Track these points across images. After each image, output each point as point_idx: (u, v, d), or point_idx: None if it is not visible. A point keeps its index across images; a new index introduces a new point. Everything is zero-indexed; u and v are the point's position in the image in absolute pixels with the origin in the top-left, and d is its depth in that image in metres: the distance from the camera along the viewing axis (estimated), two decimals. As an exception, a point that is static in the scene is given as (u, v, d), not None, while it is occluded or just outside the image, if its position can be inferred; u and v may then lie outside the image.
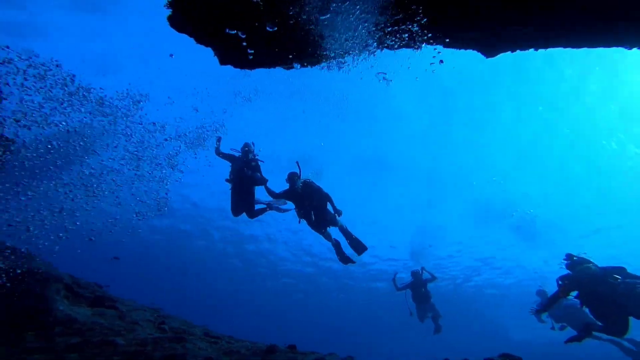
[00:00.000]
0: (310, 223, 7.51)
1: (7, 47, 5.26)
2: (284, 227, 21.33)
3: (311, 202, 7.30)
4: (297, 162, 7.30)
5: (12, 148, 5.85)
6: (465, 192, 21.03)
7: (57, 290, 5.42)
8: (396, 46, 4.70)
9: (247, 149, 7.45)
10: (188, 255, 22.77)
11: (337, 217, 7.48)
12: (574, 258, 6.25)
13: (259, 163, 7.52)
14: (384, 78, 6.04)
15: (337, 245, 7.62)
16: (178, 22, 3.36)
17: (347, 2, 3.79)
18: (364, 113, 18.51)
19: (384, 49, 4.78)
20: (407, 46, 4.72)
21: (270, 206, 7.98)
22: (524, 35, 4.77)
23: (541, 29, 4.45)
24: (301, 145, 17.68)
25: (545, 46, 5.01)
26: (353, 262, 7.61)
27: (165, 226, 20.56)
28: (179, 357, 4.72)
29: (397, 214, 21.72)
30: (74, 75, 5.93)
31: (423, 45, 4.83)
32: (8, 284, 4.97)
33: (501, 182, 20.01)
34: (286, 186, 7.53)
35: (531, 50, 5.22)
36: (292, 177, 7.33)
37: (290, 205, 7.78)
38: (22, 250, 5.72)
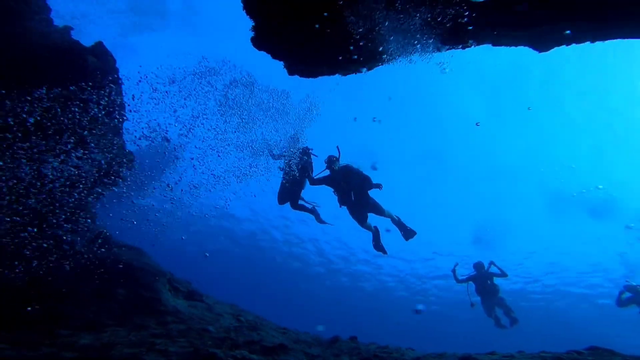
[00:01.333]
0: (351, 210, 7.22)
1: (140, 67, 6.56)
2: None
3: (349, 186, 6.99)
4: (338, 147, 7.06)
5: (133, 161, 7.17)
6: (534, 184, 19.29)
7: (164, 283, 6.76)
8: (449, 46, 4.89)
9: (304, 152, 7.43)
10: (262, 258, 24.33)
11: (382, 208, 7.19)
12: None
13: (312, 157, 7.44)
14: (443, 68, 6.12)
15: (376, 232, 7.35)
16: (258, 42, 4.17)
17: (409, 11, 4.11)
18: (424, 109, 18.31)
19: (441, 49, 4.97)
20: (461, 45, 4.87)
21: (313, 211, 8.05)
22: (575, 30, 4.56)
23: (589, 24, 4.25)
24: (360, 142, 18.01)
25: (603, 38, 4.70)
26: (385, 252, 7.31)
27: (240, 229, 22.43)
28: (256, 342, 5.60)
29: (458, 211, 20.84)
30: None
31: (472, 43, 4.92)
32: (123, 276, 6.29)
33: (574, 168, 17.96)
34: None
35: (587, 42, 4.92)
36: (331, 160, 7.04)
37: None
38: (134, 246, 7.17)
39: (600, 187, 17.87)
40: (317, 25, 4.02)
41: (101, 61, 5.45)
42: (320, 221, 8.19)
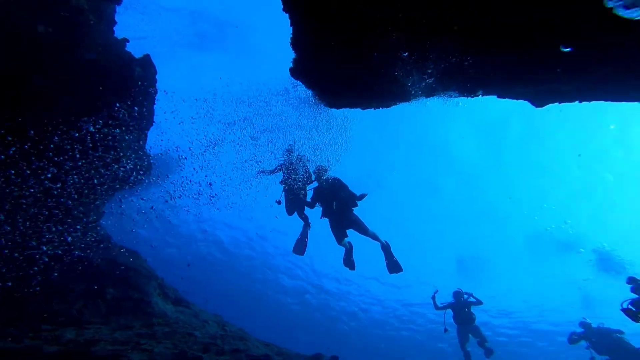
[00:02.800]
0: (332, 223, 6.89)
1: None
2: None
3: (334, 198, 6.70)
4: (328, 159, 6.82)
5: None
6: (516, 223, 19.72)
7: (155, 287, 6.57)
8: (456, 95, 5.22)
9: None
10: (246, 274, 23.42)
11: (367, 228, 6.88)
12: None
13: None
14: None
15: (349, 249, 7.06)
16: (296, 73, 4.62)
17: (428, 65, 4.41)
18: (422, 143, 18.86)
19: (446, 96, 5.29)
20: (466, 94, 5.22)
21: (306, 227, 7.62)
22: (569, 90, 4.99)
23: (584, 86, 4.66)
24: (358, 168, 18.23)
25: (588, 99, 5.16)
26: (353, 268, 7.04)
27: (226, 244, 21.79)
28: (242, 351, 5.41)
29: (444, 242, 20.96)
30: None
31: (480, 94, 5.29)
32: (114, 276, 6.13)
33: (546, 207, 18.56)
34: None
35: (576, 102, 5.37)
36: (319, 170, 6.75)
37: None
38: (130, 248, 7.01)
39: (568, 222, 18.40)
40: (351, 70, 4.41)
41: (145, 72, 5.70)
42: (302, 240, 7.61)
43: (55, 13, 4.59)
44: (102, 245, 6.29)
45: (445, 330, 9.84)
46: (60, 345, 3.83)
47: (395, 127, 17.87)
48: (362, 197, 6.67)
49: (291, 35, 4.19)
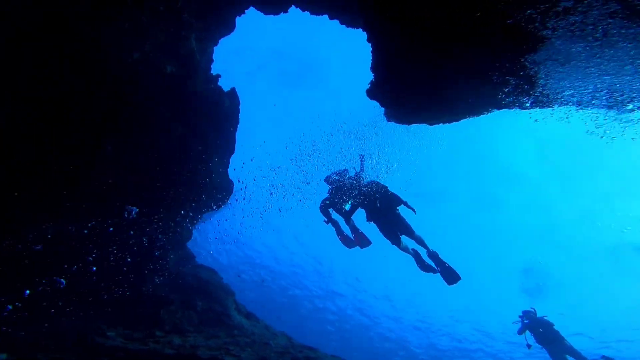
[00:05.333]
0: (381, 228, 6.44)
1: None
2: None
3: (376, 203, 6.27)
4: (361, 156, 6.48)
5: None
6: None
7: (232, 302, 7.26)
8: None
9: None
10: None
11: (414, 231, 6.40)
12: None
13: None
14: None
15: (416, 255, 6.56)
16: (371, 93, 5.15)
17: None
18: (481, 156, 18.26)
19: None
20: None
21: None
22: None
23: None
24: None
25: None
26: (435, 271, 6.43)
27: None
28: (313, 359, 5.72)
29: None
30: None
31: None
32: (201, 291, 6.93)
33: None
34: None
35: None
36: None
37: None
38: (209, 266, 7.88)
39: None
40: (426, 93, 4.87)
41: (232, 103, 6.68)
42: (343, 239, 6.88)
43: (177, 54, 5.69)
44: (191, 263, 7.20)
45: (528, 346, 9.11)
46: (174, 349, 4.53)
47: (459, 141, 17.33)
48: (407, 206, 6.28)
49: (371, 61, 4.73)
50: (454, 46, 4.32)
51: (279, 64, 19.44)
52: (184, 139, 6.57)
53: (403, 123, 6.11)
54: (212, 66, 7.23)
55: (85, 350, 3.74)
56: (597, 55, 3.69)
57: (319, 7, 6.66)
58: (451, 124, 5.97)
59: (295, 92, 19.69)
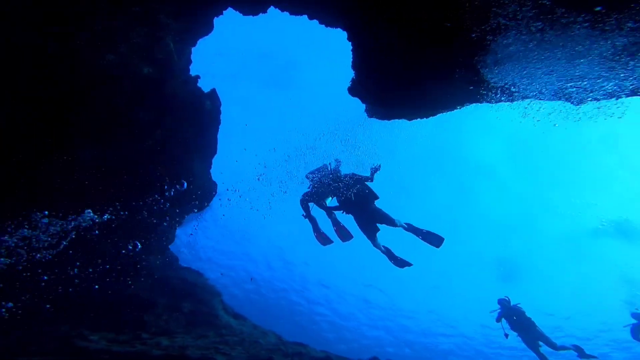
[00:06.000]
0: (357, 219, 6.36)
1: None
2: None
3: (351, 196, 6.22)
4: (338, 161, 6.48)
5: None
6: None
7: (218, 302, 7.11)
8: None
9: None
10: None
11: (395, 220, 6.32)
12: None
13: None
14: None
15: (388, 252, 6.53)
16: (353, 90, 5.33)
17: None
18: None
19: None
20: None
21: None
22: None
23: None
24: None
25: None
26: (410, 264, 6.43)
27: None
28: (304, 354, 5.73)
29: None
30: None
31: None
32: (187, 293, 6.77)
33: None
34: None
35: None
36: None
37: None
38: (197, 270, 7.69)
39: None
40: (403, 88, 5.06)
41: (213, 104, 6.54)
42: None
43: (154, 56, 5.54)
44: (174, 266, 6.99)
45: (506, 335, 9.00)
46: (162, 349, 4.39)
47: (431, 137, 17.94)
48: (375, 170, 6.16)
49: (352, 59, 4.86)
50: (428, 46, 4.62)
51: (260, 65, 19.43)
52: (164, 141, 6.40)
53: (384, 119, 6.33)
54: (192, 67, 7.09)
55: (69, 355, 3.55)
56: (535, 59, 4.22)
57: (298, 7, 6.74)
58: (428, 118, 6.28)
59: (276, 93, 19.70)
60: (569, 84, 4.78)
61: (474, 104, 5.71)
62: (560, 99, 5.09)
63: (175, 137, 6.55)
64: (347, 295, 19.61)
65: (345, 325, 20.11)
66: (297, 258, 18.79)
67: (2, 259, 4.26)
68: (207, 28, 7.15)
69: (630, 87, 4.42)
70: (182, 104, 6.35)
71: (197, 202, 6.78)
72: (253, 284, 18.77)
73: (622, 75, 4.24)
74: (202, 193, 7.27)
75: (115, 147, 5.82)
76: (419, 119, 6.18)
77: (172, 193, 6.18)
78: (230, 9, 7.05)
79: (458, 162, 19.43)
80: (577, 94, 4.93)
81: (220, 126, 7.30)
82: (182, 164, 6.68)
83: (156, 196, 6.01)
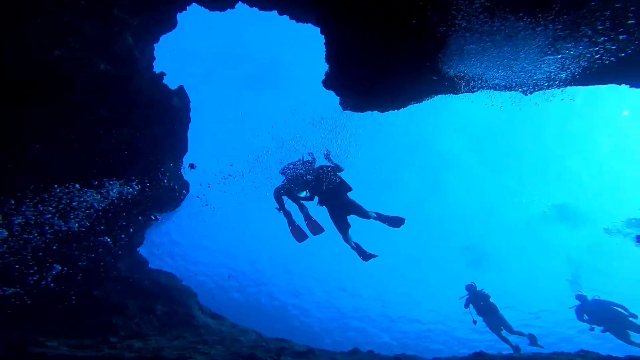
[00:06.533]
0: (330, 211, 6.33)
1: None
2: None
3: (322, 186, 6.21)
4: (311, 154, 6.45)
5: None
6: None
7: (195, 303, 6.79)
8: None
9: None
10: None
11: (367, 211, 6.34)
12: None
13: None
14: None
15: (357, 248, 6.53)
16: (327, 84, 5.37)
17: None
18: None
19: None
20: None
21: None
22: None
23: None
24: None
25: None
26: (375, 256, 6.50)
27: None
28: (287, 349, 5.61)
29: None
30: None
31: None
32: (160, 295, 6.40)
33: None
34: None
35: None
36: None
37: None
38: (170, 272, 7.28)
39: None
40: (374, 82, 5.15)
41: (181, 102, 6.22)
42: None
43: (111, 51, 5.19)
44: (144, 268, 6.56)
45: (474, 322, 9.13)
46: (134, 352, 4.09)
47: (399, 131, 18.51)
48: (326, 156, 6.24)
49: (325, 52, 4.89)
50: (397, 40, 4.82)
51: (233, 62, 18.97)
52: (131, 140, 6.02)
53: (357, 111, 6.44)
54: (162, 65, 6.78)
55: (26, 364, 3.17)
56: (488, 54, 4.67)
57: (267, 2, 6.68)
58: (399, 110, 6.50)
59: (250, 91, 19.34)
60: (516, 76, 5.28)
61: (441, 95, 6.04)
62: (511, 90, 5.57)
63: (143, 134, 6.20)
64: (324, 290, 19.72)
65: (325, 319, 20.12)
66: (274, 254, 18.55)
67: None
68: (170, 23, 6.87)
69: (564, 77, 4.94)
70: (149, 102, 6.03)
71: (166, 203, 6.44)
72: (231, 282, 18.24)
73: (553, 67, 4.78)
74: (171, 194, 6.93)
75: (75, 145, 5.39)
76: (390, 111, 6.40)
77: (130, 192, 5.80)
78: (194, 5, 6.82)
79: (427, 154, 20.25)
80: (524, 84, 5.43)
81: (190, 124, 7.06)
82: (152, 163, 6.33)
83: (128, 195, 5.62)
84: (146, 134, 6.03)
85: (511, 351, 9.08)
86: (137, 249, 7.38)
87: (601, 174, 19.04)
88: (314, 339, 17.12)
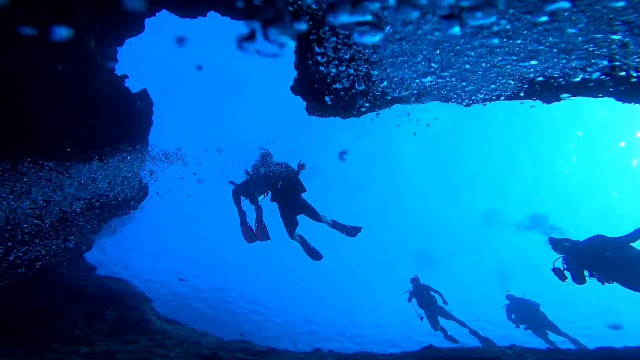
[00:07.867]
0: (281, 209, 6.25)
1: None
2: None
3: (277, 184, 6.20)
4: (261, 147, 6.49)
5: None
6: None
7: (150, 308, 6.29)
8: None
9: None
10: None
11: (320, 215, 6.26)
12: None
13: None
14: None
15: (302, 241, 6.44)
16: (294, 89, 5.33)
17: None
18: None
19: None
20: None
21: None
22: None
23: None
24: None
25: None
26: (321, 256, 6.39)
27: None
28: (250, 349, 5.45)
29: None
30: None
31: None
32: (111, 301, 5.86)
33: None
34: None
35: None
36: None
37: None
38: (122, 278, 6.67)
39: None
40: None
41: (144, 105, 5.88)
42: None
43: (70, 53, 4.81)
44: (94, 274, 5.94)
45: (421, 318, 9.31)
46: (81, 357, 3.70)
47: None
48: (300, 167, 6.17)
49: (294, 60, 5.10)
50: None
51: (206, 69, 18.34)
52: (88, 142, 5.55)
53: (322, 116, 6.73)
54: (125, 69, 6.46)
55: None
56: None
57: (238, 12, 6.75)
58: (360, 117, 6.93)
59: (221, 99, 18.79)
60: (454, 90, 6.02)
61: (396, 104, 6.59)
62: (449, 102, 6.30)
63: (101, 137, 5.76)
64: (285, 295, 19.39)
65: (285, 324, 19.66)
66: (234, 260, 17.87)
67: None
68: (136, 28, 6.61)
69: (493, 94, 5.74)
70: (110, 104, 5.67)
71: (120, 207, 5.95)
72: (188, 289, 17.03)
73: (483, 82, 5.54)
74: (125, 198, 6.45)
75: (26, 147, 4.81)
76: (351, 118, 6.79)
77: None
78: (164, 11, 6.63)
79: (383, 162, 21.33)
80: (461, 97, 6.19)
81: (152, 127, 6.75)
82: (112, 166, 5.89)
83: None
84: (102, 136, 5.62)
85: (451, 344, 9.13)
86: (84, 255, 6.67)
87: (520, 176, 21.47)
88: (275, 345, 16.52)
